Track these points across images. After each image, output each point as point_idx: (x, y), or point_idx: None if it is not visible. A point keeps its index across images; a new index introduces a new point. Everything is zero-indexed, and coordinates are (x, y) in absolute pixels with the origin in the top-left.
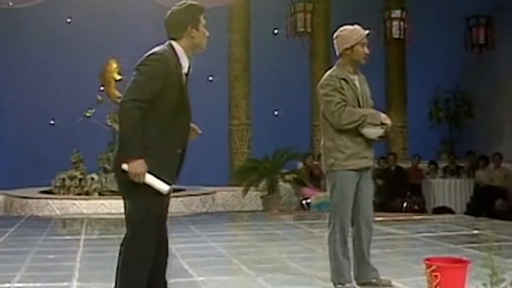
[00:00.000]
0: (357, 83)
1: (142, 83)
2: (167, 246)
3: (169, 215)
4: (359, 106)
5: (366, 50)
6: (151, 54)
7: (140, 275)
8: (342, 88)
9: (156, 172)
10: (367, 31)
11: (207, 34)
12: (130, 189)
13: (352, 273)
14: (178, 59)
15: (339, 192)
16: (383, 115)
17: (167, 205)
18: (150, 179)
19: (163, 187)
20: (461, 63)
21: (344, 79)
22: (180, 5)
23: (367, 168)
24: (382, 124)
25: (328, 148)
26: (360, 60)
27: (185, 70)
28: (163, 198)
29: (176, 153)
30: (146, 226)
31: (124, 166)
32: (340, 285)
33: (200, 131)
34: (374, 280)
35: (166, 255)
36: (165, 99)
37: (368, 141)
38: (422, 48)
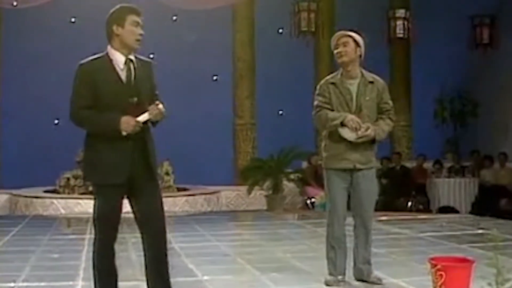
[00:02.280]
0: (352, 87)
1: (75, 93)
2: (153, 248)
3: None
4: (350, 110)
5: (338, 49)
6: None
7: (98, 268)
8: (329, 92)
9: (93, 165)
10: (339, 33)
11: (137, 32)
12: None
13: (344, 267)
14: (111, 59)
15: (328, 190)
16: (351, 121)
17: (151, 203)
18: (143, 118)
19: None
20: (466, 62)
21: (333, 83)
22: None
23: (359, 170)
24: (357, 129)
25: (321, 147)
26: (339, 62)
27: (120, 66)
28: (115, 201)
29: (114, 147)
30: (97, 225)
31: (123, 133)
32: (329, 277)
33: (157, 108)
34: (365, 276)
35: (154, 257)
36: (100, 93)
37: (353, 143)
38: (426, 48)
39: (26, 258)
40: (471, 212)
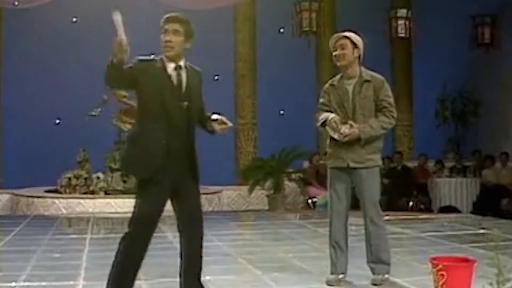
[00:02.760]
0: (349, 87)
1: None
2: (191, 248)
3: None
4: (346, 112)
5: (336, 52)
6: None
7: (121, 263)
8: (329, 94)
9: (135, 159)
10: (337, 35)
11: (163, 39)
12: (136, 188)
13: (345, 266)
14: (164, 63)
15: (329, 187)
16: (330, 122)
17: (194, 205)
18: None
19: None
20: (467, 62)
21: (332, 85)
22: None
23: (356, 169)
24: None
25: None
26: (338, 65)
27: (168, 71)
28: (156, 201)
29: (157, 143)
30: (134, 222)
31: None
32: (330, 276)
33: (229, 123)
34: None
35: (190, 257)
36: (142, 94)
37: (347, 143)
38: (428, 47)
39: (27, 257)
40: (472, 212)
